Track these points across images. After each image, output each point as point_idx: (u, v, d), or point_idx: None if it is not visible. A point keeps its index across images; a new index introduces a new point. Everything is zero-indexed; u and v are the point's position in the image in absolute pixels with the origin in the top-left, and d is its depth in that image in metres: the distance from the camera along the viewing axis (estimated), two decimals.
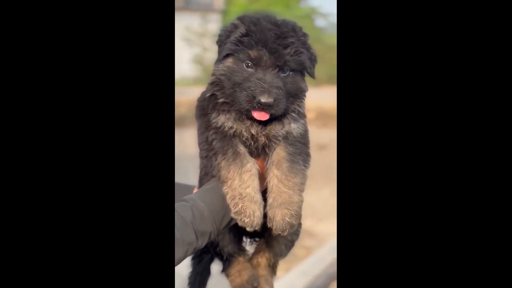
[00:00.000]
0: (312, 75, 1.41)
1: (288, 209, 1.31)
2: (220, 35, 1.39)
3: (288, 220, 1.31)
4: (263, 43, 1.30)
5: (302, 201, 1.34)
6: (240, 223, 1.31)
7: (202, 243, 1.32)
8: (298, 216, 1.33)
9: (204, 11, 16.19)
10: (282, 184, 1.33)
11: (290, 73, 1.35)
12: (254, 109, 1.30)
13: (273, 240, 1.59)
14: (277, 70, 1.32)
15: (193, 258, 1.71)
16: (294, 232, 1.57)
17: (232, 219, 1.36)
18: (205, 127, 1.38)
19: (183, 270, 1.70)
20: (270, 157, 1.37)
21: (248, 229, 1.31)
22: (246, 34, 1.32)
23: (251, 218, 1.29)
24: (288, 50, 1.32)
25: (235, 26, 1.36)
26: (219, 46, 1.38)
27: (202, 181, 1.49)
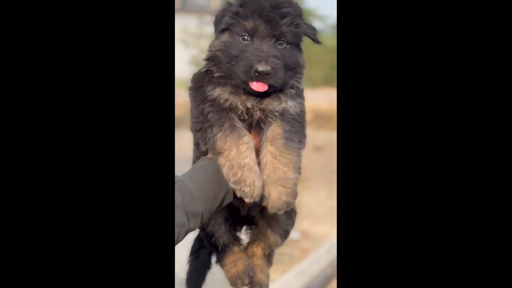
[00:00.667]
0: (317, 41, 1.39)
1: (284, 186, 1.26)
2: (216, 15, 1.38)
3: (284, 198, 1.25)
4: (259, 13, 1.29)
5: (297, 178, 1.29)
6: (239, 194, 1.25)
7: (194, 224, 1.28)
8: (294, 194, 1.28)
9: (201, 13, 16.18)
10: (276, 161, 1.28)
11: (287, 46, 1.33)
12: (252, 79, 1.27)
13: (268, 230, 1.56)
14: (274, 40, 1.30)
15: (190, 255, 1.70)
16: (290, 222, 1.56)
17: (224, 199, 1.33)
18: (201, 100, 1.35)
19: (181, 271, 1.70)
20: (264, 134, 1.33)
21: (247, 200, 1.25)
22: (241, 5, 1.31)
23: (251, 187, 1.23)
24: (284, 20, 1.30)
25: (229, 4, 1.35)
26: (215, 25, 1.37)
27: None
